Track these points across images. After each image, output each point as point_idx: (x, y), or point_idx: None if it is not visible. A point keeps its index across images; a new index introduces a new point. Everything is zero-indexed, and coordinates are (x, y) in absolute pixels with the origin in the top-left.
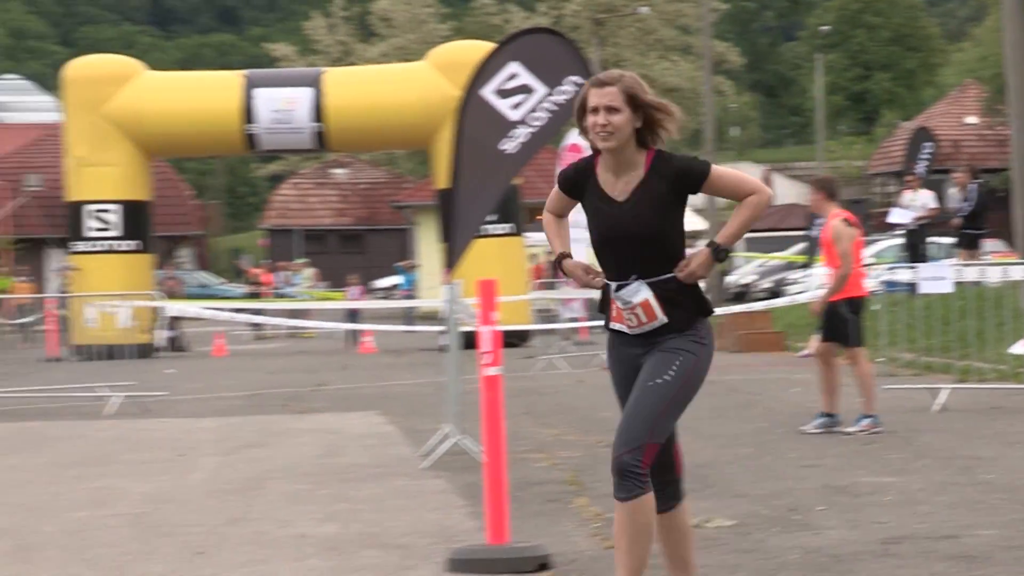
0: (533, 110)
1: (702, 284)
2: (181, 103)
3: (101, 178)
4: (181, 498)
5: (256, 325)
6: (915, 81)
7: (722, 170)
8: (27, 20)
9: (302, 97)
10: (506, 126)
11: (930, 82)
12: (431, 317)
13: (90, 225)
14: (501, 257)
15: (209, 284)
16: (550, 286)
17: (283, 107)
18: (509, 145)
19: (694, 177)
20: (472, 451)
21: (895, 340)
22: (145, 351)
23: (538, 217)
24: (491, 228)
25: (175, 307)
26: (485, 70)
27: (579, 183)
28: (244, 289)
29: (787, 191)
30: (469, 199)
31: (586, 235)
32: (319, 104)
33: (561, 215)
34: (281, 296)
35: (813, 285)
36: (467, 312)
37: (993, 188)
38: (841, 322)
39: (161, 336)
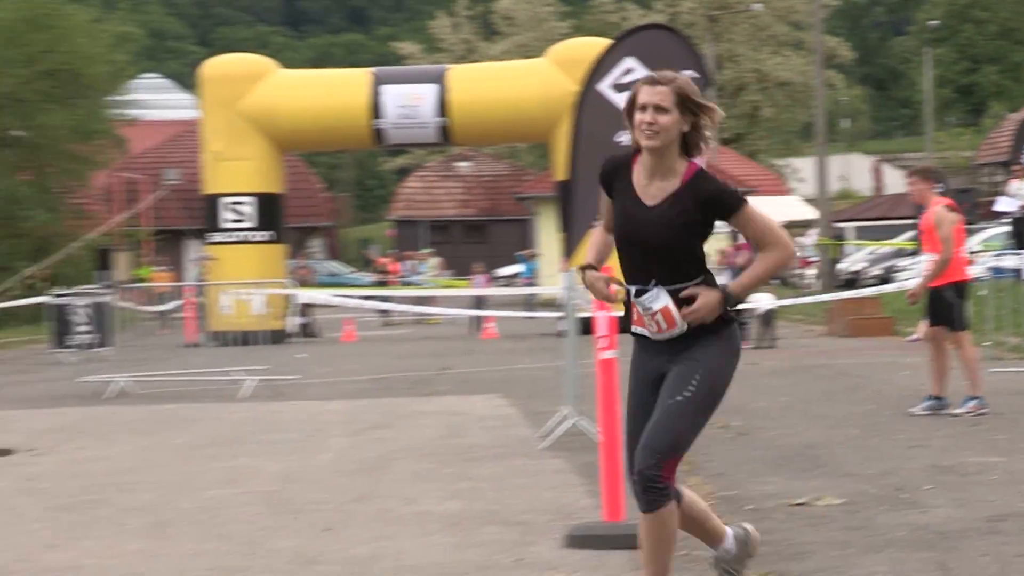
0: None
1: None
2: (312, 100)
3: (236, 172)
4: (310, 477)
5: (384, 312)
6: (1022, 74)
7: (754, 212)
8: (167, 22)
9: (427, 93)
10: (621, 119)
11: None
12: (551, 304)
13: (226, 217)
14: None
15: (339, 273)
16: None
17: (409, 103)
18: (625, 137)
19: (725, 208)
20: (589, 432)
21: (1001, 325)
22: (278, 337)
23: None
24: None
25: (306, 295)
26: (602, 65)
27: (613, 179)
28: (372, 277)
29: (896, 181)
30: (586, 190)
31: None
32: (443, 100)
33: (610, 230)
34: (407, 284)
35: (921, 271)
36: (584, 299)
37: None
38: (947, 307)
39: (293, 322)
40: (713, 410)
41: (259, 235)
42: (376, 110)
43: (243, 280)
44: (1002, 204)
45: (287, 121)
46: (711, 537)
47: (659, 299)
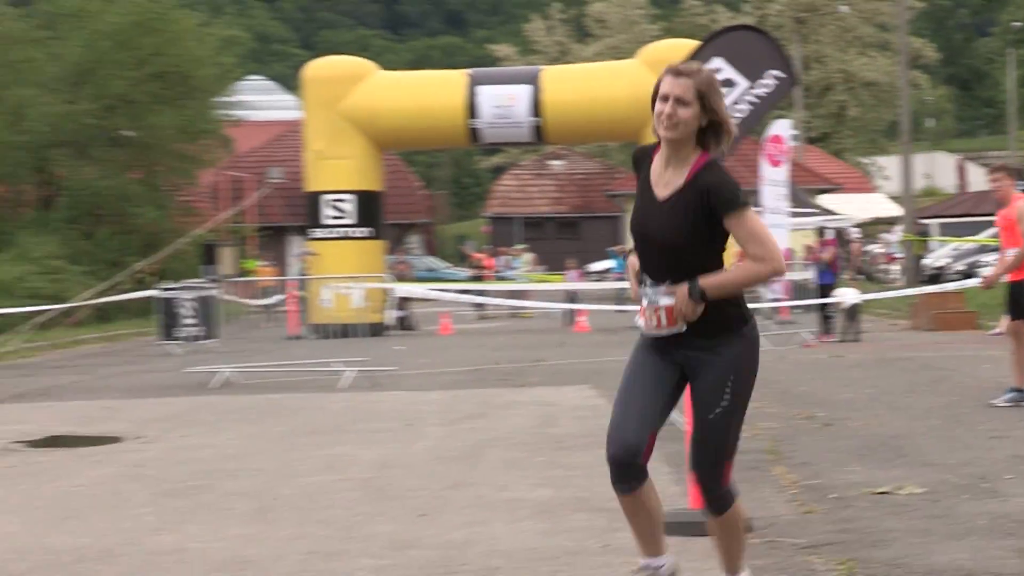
0: (736, 102)
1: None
2: (411, 100)
3: (337, 170)
4: (407, 464)
5: (479, 305)
6: None
7: (749, 219)
8: (271, 26)
9: (521, 94)
10: None
11: None
12: None
13: (327, 214)
14: None
15: (436, 268)
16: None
17: (504, 103)
18: None
19: (720, 201)
20: (676, 422)
21: None
22: (376, 330)
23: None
24: None
25: (404, 289)
26: None
27: (639, 169)
28: (468, 272)
29: (979, 179)
30: None
31: (785, 220)
32: (537, 100)
33: None
34: (502, 279)
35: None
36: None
37: None
38: None
39: (391, 316)
40: (746, 407)
41: (359, 231)
42: (472, 110)
43: (343, 275)
44: None
45: (386, 121)
46: (653, 543)
47: (667, 296)
